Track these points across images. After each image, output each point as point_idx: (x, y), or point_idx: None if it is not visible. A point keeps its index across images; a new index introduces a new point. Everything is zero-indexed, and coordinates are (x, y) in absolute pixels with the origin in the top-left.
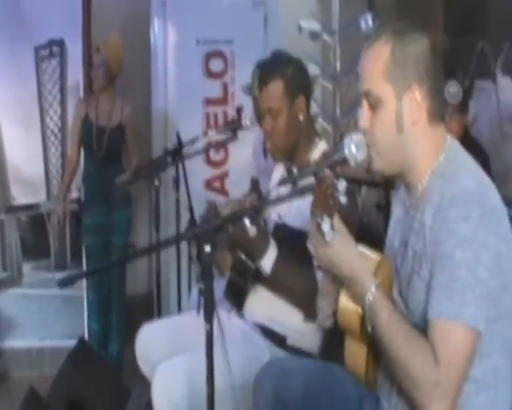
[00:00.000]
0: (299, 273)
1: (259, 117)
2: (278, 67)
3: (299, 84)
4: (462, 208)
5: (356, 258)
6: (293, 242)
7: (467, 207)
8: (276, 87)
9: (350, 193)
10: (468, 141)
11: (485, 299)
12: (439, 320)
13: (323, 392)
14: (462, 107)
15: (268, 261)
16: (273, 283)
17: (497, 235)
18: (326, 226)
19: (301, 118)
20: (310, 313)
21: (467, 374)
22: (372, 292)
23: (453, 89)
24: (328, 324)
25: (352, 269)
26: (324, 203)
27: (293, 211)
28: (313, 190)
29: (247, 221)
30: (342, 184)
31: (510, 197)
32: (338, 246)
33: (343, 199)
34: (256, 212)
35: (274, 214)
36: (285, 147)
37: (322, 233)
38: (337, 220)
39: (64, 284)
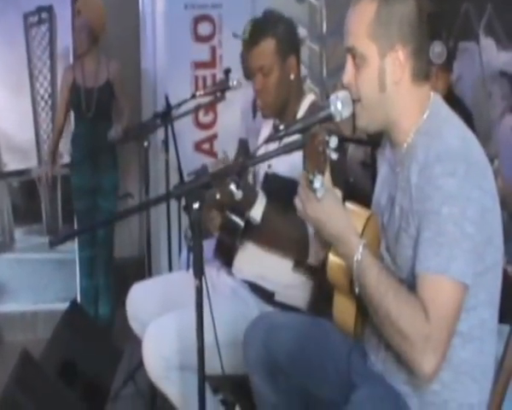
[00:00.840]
0: (289, 219)
1: (248, 73)
2: (270, 26)
3: (291, 44)
4: (447, 165)
5: (343, 218)
6: (283, 190)
7: (452, 164)
8: (268, 46)
9: (339, 150)
10: (452, 99)
11: (472, 253)
12: (427, 275)
13: (313, 346)
14: (447, 66)
15: (258, 210)
16: (264, 231)
17: (482, 189)
18: (318, 183)
19: (292, 77)
20: (299, 259)
21: (455, 328)
22: (360, 252)
23: (438, 49)
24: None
25: (338, 228)
26: (316, 160)
27: (283, 160)
28: (302, 145)
29: (232, 186)
30: (334, 141)
31: (493, 154)
32: (326, 204)
33: (334, 156)
34: (242, 171)
35: (264, 164)
36: (275, 105)
37: (313, 190)
38: (327, 178)
39: (55, 243)
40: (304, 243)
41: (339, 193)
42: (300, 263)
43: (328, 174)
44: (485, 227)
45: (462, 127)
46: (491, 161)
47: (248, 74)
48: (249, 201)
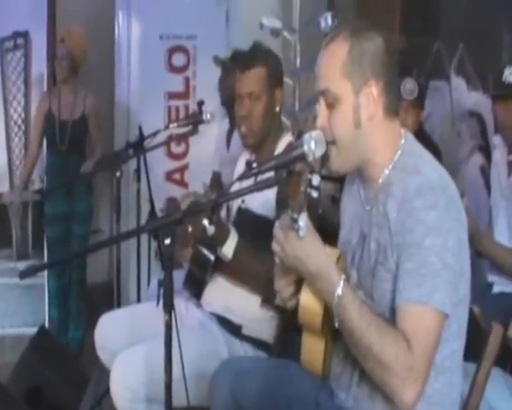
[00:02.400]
0: (260, 257)
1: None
2: (263, 56)
3: (279, 77)
4: (428, 198)
5: (323, 254)
6: (255, 227)
7: (433, 197)
8: (260, 73)
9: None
10: (422, 136)
11: (452, 283)
12: (408, 306)
13: (280, 392)
14: (418, 102)
15: (229, 247)
16: (234, 268)
17: (459, 221)
18: (302, 222)
19: (277, 109)
20: (268, 296)
21: (434, 358)
22: (341, 287)
23: (409, 85)
24: (291, 304)
25: (318, 265)
26: (299, 198)
27: (257, 196)
28: (276, 183)
29: (205, 221)
30: (316, 179)
31: (460, 191)
32: (306, 241)
33: (315, 194)
34: (215, 207)
35: (238, 199)
36: (259, 133)
37: (296, 228)
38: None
39: (26, 275)
40: (272, 282)
41: None
42: (268, 300)
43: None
44: (460, 259)
45: (436, 163)
46: (460, 197)
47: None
48: (221, 237)
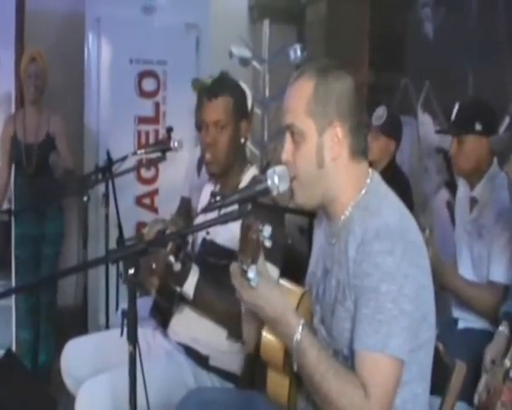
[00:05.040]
0: (222, 294)
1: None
2: (230, 85)
3: (245, 109)
4: (386, 243)
5: (280, 300)
6: (219, 258)
7: (391, 242)
8: (227, 102)
9: (279, 223)
10: (394, 169)
11: (409, 330)
12: (366, 353)
13: None
14: (388, 131)
15: (190, 286)
16: (197, 305)
17: (418, 266)
18: (252, 273)
19: (242, 141)
20: (233, 331)
21: (393, 402)
22: (299, 332)
23: (379, 112)
24: (250, 350)
25: (275, 311)
26: (250, 249)
27: (222, 231)
28: (239, 217)
29: (171, 258)
30: (267, 230)
31: (428, 224)
32: (261, 289)
33: (268, 243)
34: (182, 241)
35: (202, 231)
36: (223, 162)
37: (247, 279)
38: (261, 262)
39: None
40: (237, 318)
41: (275, 271)
42: (233, 334)
43: (261, 259)
44: (420, 305)
45: (400, 205)
46: (423, 230)
47: (201, 125)
48: (182, 276)
